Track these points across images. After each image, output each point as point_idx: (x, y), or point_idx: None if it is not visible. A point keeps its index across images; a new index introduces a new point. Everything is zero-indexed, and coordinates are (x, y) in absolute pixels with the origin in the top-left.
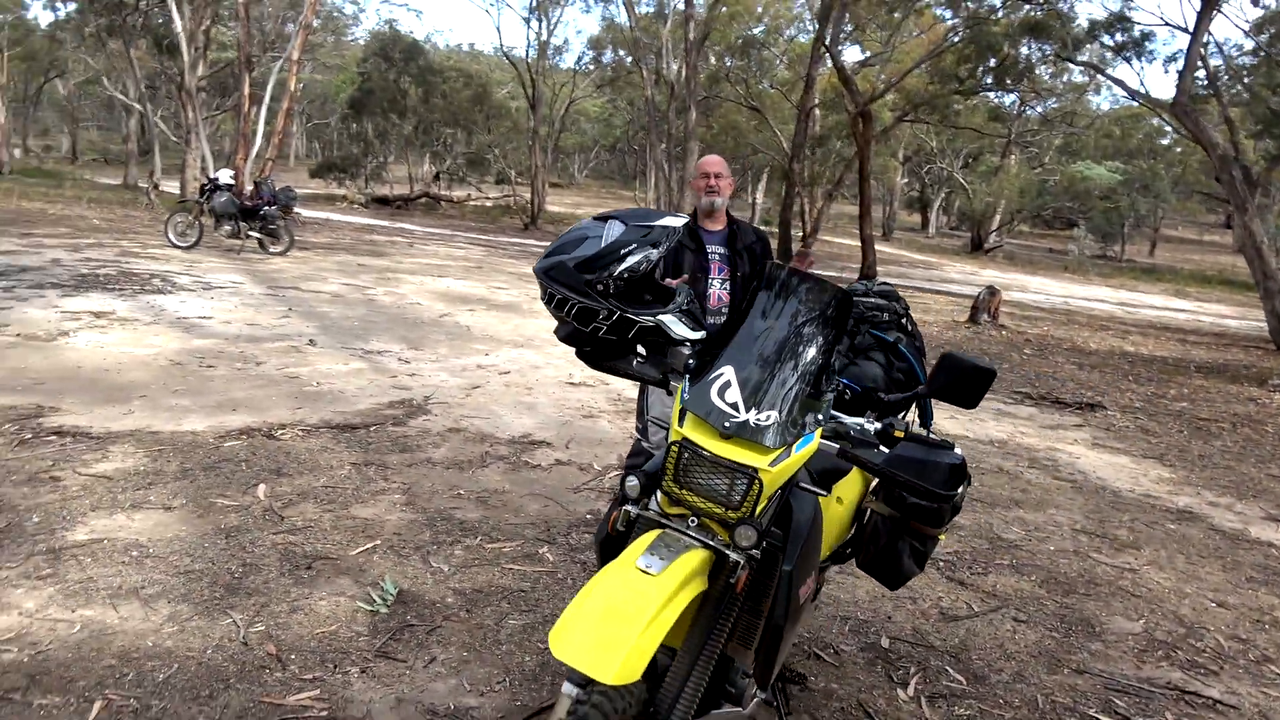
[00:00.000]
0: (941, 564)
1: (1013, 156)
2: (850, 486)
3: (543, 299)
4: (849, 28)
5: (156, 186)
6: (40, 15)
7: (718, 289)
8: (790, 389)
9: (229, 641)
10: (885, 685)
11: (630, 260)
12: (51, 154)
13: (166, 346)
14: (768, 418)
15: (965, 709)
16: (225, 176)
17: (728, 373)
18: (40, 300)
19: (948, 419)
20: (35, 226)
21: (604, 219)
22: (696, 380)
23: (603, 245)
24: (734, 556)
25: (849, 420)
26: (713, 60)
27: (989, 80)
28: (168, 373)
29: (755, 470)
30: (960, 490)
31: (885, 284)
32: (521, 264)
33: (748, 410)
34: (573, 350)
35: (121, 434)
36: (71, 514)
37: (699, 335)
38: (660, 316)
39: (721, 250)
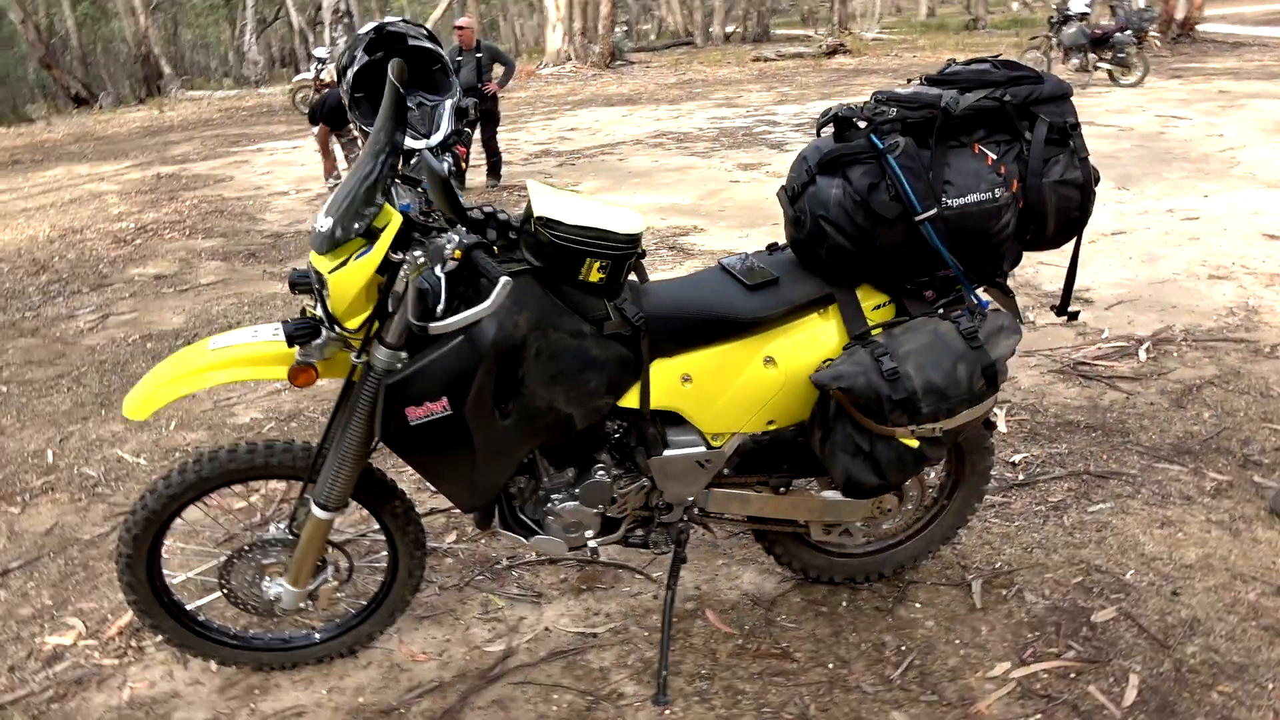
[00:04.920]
0: None
1: None
2: (795, 348)
3: None
4: None
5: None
6: None
7: None
8: (349, 194)
9: None
10: (991, 651)
11: (349, 72)
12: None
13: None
14: (324, 224)
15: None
16: (1079, 4)
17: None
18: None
19: None
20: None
21: None
22: None
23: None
24: (297, 354)
25: (442, 236)
26: None
27: None
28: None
29: (324, 277)
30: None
31: (987, 61)
32: None
33: (321, 218)
34: None
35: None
36: None
37: (420, 145)
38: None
39: None
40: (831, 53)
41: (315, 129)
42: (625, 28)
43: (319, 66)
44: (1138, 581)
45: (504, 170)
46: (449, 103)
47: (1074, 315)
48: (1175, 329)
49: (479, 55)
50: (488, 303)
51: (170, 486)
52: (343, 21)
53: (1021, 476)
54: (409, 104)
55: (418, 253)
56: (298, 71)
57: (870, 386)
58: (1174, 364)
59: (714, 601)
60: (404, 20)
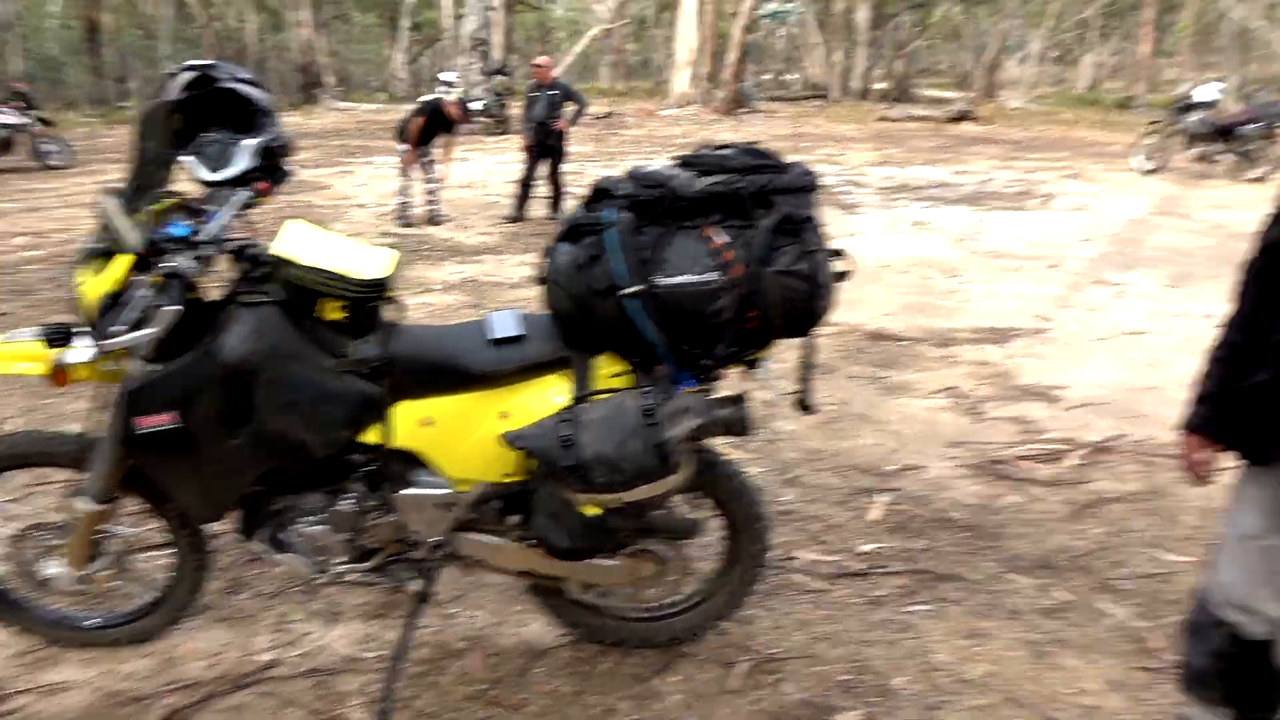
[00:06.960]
0: None
1: None
2: (529, 406)
3: None
4: None
5: None
6: None
7: None
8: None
9: None
10: None
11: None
12: None
13: (901, 253)
14: (90, 238)
15: None
16: (1209, 92)
17: None
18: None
19: None
20: (975, 147)
21: None
22: None
23: None
24: (56, 356)
25: (178, 261)
26: None
27: None
28: (872, 274)
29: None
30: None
31: (732, 148)
32: None
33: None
34: None
35: None
36: None
37: (214, 177)
38: (182, 157)
39: None
40: (958, 119)
41: (402, 147)
42: (769, 75)
43: (445, 90)
44: (904, 689)
45: (565, 205)
46: (252, 142)
47: (808, 410)
48: (1129, 439)
49: (552, 92)
50: (150, 329)
51: None
52: (479, 49)
53: (861, 566)
54: (212, 137)
55: (147, 275)
56: None
57: (545, 450)
58: (1099, 474)
59: (490, 643)
60: (219, 63)
